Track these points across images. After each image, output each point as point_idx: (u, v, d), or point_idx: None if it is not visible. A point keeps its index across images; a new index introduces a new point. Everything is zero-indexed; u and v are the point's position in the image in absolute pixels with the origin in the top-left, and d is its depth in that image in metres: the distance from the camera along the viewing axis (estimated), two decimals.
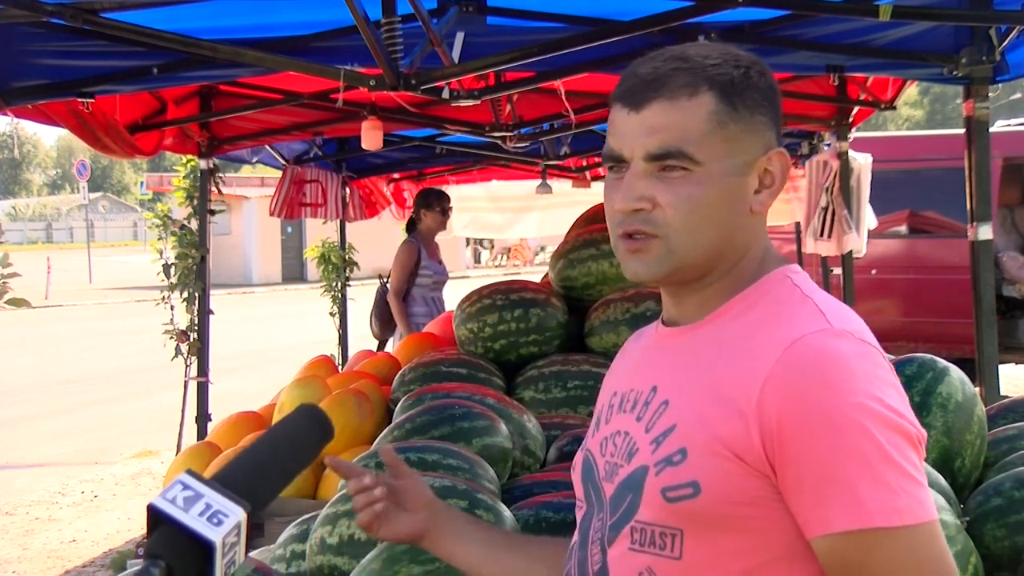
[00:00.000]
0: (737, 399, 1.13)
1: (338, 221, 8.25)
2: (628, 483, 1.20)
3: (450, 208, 6.55)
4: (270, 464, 1.04)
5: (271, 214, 6.81)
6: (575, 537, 1.30)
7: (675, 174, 1.17)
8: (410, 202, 7.78)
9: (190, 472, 0.96)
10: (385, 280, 6.50)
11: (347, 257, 8.15)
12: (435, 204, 6.37)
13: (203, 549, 0.91)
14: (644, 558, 1.17)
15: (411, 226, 6.51)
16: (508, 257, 35.95)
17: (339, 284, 8.10)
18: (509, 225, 10.51)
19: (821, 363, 1.11)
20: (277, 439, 1.08)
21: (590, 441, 1.33)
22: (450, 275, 6.84)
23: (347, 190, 7.54)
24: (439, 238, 6.62)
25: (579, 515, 1.31)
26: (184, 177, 5.85)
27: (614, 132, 1.22)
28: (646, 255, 1.20)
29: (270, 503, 1.04)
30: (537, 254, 36.00)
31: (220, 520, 0.92)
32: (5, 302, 3.29)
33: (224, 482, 0.97)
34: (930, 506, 1.09)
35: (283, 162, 6.69)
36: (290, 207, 6.73)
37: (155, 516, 0.93)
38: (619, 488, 1.22)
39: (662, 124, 1.17)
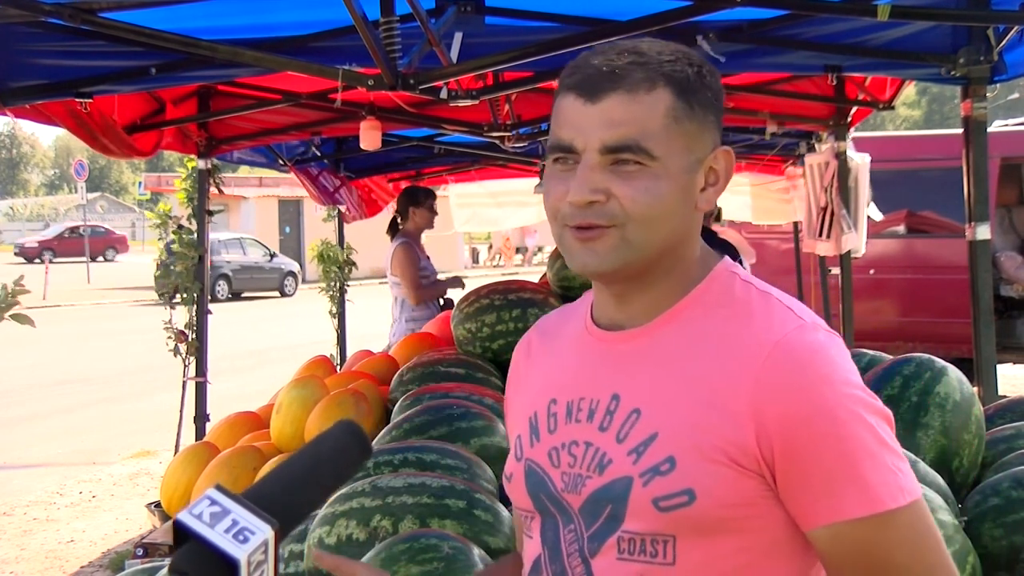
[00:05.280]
0: (725, 402, 1.14)
1: (336, 221, 8.27)
2: (604, 494, 1.18)
3: (436, 204, 6.47)
4: (307, 480, 1.03)
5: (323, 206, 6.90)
6: (538, 550, 1.26)
7: (630, 168, 1.16)
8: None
9: (219, 487, 0.95)
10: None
11: (346, 257, 8.15)
12: (423, 201, 6.23)
13: (228, 566, 0.90)
14: (635, 567, 1.16)
15: (394, 227, 6.37)
16: (501, 256, 36.04)
17: (337, 284, 8.10)
18: (508, 217, 10.53)
19: (811, 359, 1.14)
20: (317, 455, 1.05)
21: (529, 451, 1.28)
22: (449, 275, 6.82)
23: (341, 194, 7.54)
24: (437, 235, 6.56)
25: (533, 527, 1.27)
26: (186, 178, 5.84)
27: (565, 122, 1.19)
28: (599, 245, 1.18)
29: (303, 521, 1.02)
30: (535, 254, 36.07)
31: (246, 537, 0.91)
32: (9, 316, 3.28)
33: (255, 498, 0.96)
34: (917, 482, 1.16)
35: (283, 164, 6.69)
36: (329, 196, 6.83)
37: (181, 531, 0.92)
38: (591, 500, 1.19)
39: (621, 117, 1.16)
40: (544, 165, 7.56)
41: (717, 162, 1.23)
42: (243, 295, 25.22)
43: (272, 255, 26.03)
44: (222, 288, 24.51)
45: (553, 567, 1.23)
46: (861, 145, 6.71)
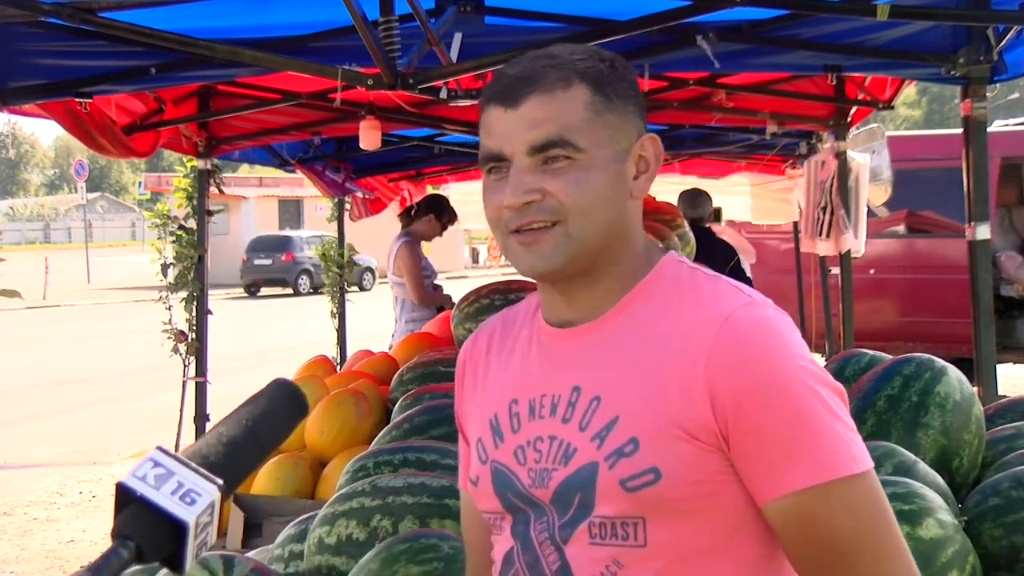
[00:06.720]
0: (681, 380, 1.16)
1: (338, 221, 8.27)
2: (572, 483, 1.19)
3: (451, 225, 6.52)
4: (246, 441, 1.00)
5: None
6: (509, 544, 1.27)
7: (560, 164, 1.19)
8: (410, 201, 7.74)
9: (161, 448, 0.92)
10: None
11: (347, 257, 8.15)
12: (445, 216, 6.23)
13: (175, 529, 0.88)
14: (608, 551, 1.17)
15: (407, 215, 6.36)
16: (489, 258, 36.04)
17: (338, 285, 8.10)
18: None
19: (759, 333, 1.16)
20: (253, 415, 1.03)
21: (494, 452, 1.29)
22: (449, 275, 6.82)
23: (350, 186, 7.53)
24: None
25: (503, 525, 1.28)
26: (184, 176, 5.84)
27: (491, 132, 1.22)
28: (543, 246, 1.20)
29: (244, 480, 1.01)
30: None
31: (193, 499, 0.88)
32: None
33: (197, 459, 0.94)
34: (869, 455, 1.17)
35: (284, 162, 6.68)
36: (338, 188, 6.92)
37: (124, 495, 0.88)
38: (560, 490, 1.20)
39: (542, 117, 1.19)
40: None
41: (645, 149, 1.26)
42: (322, 290, 25.89)
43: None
44: (304, 282, 26.27)
45: (526, 556, 1.24)
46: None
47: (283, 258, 26.49)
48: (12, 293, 3.11)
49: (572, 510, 1.19)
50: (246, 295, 26.46)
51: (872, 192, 6.48)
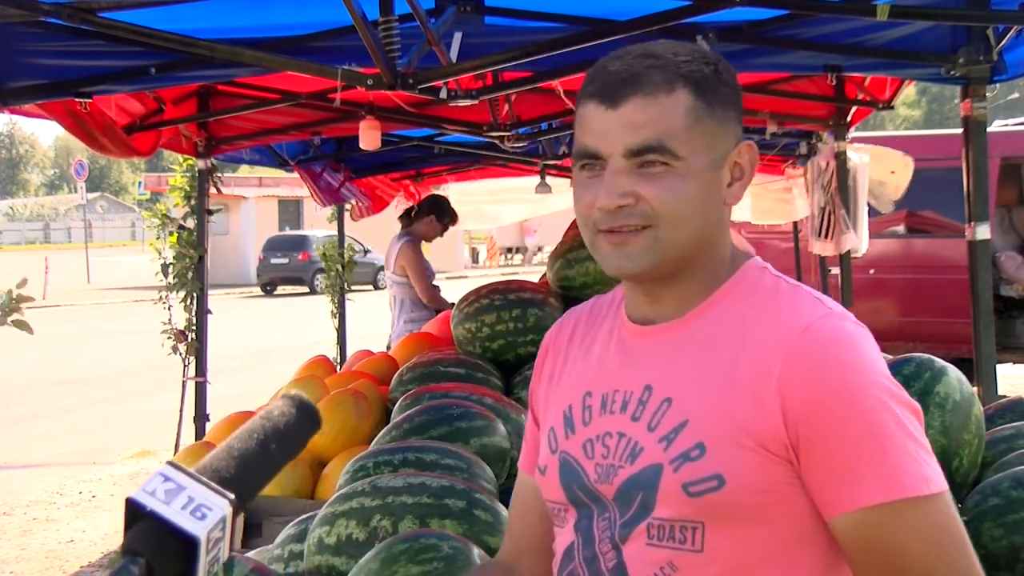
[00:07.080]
0: (754, 388, 1.14)
1: (338, 221, 8.27)
2: (636, 482, 1.19)
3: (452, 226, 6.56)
4: (259, 455, 0.99)
5: (322, 204, 6.99)
6: (571, 538, 1.27)
7: (656, 169, 1.17)
8: (418, 197, 7.76)
9: (172, 463, 0.91)
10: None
11: (348, 257, 8.15)
12: (446, 217, 6.31)
13: (186, 545, 0.86)
14: (664, 553, 1.17)
15: (407, 219, 6.39)
16: (505, 256, 36.07)
17: (338, 284, 8.10)
18: (508, 213, 10.57)
19: (836, 346, 1.14)
20: (267, 429, 1.02)
21: (564, 443, 1.30)
22: (449, 275, 6.84)
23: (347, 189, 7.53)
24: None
25: (567, 518, 1.28)
26: (181, 175, 5.84)
27: (588, 129, 1.21)
28: (632, 248, 1.19)
29: (256, 495, 1.00)
30: (536, 254, 36.09)
31: (204, 514, 0.87)
32: (11, 322, 3.31)
33: (209, 473, 0.92)
34: (943, 476, 1.14)
35: (284, 162, 6.68)
36: (332, 195, 6.91)
37: (134, 510, 0.87)
38: (623, 488, 1.20)
39: (642, 120, 1.17)
40: (544, 165, 7.59)
41: (741, 156, 1.25)
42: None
43: (366, 251, 26.35)
44: (320, 281, 26.21)
45: (585, 553, 1.24)
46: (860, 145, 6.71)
47: (299, 257, 26.58)
48: (24, 326, 3.17)
49: (633, 509, 1.19)
50: (263, 294, 26.64)
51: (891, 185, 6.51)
